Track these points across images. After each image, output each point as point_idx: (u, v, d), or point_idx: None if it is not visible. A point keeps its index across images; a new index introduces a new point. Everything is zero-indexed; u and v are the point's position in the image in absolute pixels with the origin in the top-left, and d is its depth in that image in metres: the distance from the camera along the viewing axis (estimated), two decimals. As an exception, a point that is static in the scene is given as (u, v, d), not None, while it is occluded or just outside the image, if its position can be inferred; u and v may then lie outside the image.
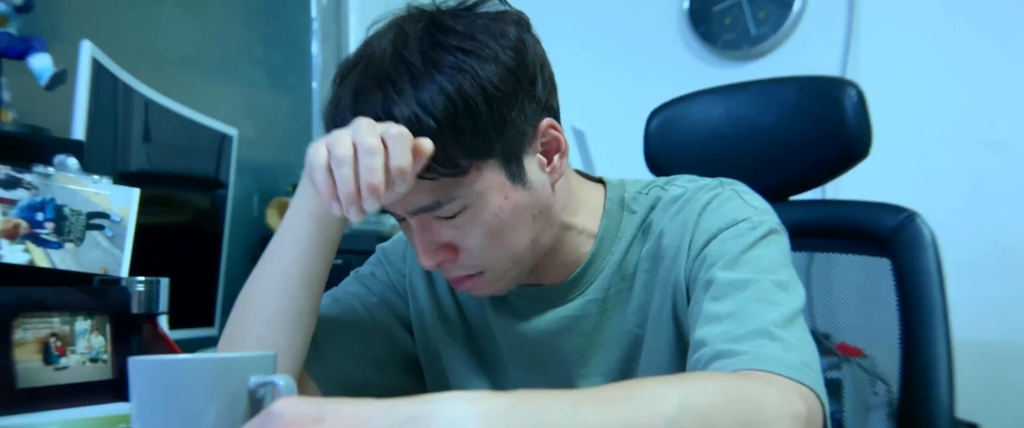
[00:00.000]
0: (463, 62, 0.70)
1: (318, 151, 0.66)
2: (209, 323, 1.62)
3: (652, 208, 0.84)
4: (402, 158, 0.64)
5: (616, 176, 0.89)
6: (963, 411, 1.92)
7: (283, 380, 0.55)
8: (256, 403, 0.56)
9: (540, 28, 0.80)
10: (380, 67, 0.71)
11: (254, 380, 0.56)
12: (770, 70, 2.19)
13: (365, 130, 0.65)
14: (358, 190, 0.64)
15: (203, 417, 0.55)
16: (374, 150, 0.64)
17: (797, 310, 0.73)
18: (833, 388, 1.88)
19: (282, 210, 1.89)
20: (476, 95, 0.70)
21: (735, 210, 0.79)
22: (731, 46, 2.22)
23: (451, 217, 0.73)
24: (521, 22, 0.78)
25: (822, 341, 1.85)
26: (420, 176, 0.69)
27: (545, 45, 0.81)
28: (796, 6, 2.15)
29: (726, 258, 0.75)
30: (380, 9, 0.78)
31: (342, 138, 0.65)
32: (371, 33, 0.76)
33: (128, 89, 1.31)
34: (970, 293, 1.92)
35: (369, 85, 0.71)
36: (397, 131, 0.65)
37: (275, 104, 2.02)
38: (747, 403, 0.59)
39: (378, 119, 0.68)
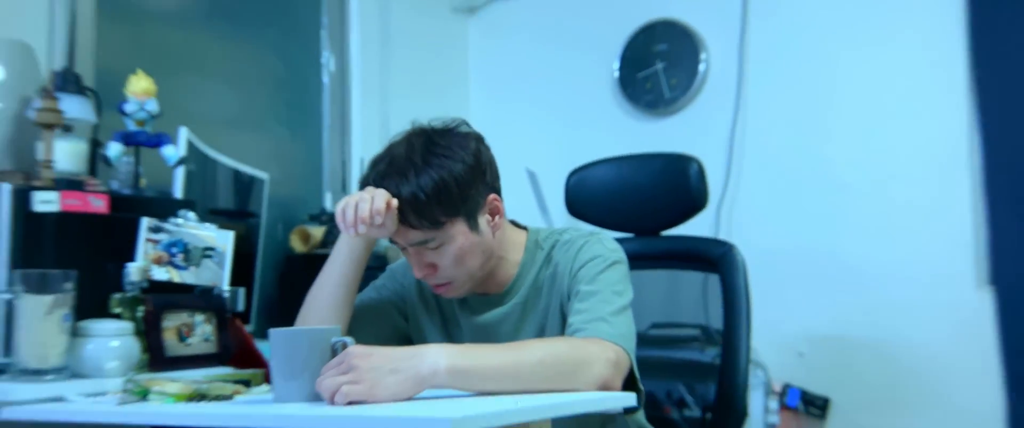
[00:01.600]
0: (444, 163, 1.27)
1: (340, 202, 1.24)
2: (247, 321, 2.16)
3: (553, 247, 1.41)
4: (379, 204, 1.21)
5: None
6: (817, 389, 2.54)
7: (350, 338, 1.12)
8: (334, 352, 1.12)
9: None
10: (397, 164, 1.28)
11: (334, 339, 1.12)
12: (681, 123, 2.80)
13: (364, 192, 1.23)
14: (355, 220, 1.22)
15: (310, 361, 1.10)
16: (363, 200, 1.22)
17: (624, 307, 1.29)
18: (711, 372, 2.48)
19: (301, 235, 2.43)
20: (450, 181, 1.27)
21: (595, 250, 1.36)
22: (651, 106, 2.81)
23: (433, 249, 1.29)
24: (479, 138, 1.35)
25: (712, 335, 2.44)
26: (415, 226, 1.25)
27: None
28: (699, 75, 2.74)
29: (587, 278, 1.32)
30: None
31: (351, 196, 1.23)
32: (393, 139, 1.33)
33: (201, 153, 1.87)
34: (821, 299, 2.53)
35: (390, 172, 1.27)
36: (380, 193, 1.23)
37: (294, 152, 2.58)
38: (582, 350, 1.17)
39: (394, 194, 1.24)
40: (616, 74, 2.89)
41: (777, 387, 2.50)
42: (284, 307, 2.25)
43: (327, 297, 1.35)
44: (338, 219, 1.25)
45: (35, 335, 1.27)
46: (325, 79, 2.69)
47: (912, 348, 2.40)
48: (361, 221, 1.22)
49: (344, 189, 2.68)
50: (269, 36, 2.59)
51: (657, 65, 2.81)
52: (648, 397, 1.65)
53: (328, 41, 2.72)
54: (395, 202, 1.25)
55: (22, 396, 1.20)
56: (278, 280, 2.36)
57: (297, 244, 2.37)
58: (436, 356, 1.08)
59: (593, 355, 1.18)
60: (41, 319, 1.27)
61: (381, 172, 1.29)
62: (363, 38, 2.78)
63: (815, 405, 2.50)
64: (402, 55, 2.87)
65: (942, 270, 2.36)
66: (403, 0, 2.91)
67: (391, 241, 1.32)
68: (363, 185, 1.31)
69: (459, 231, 1.29)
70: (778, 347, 2.53)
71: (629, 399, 1.15)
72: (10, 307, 1.28)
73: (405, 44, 2.89)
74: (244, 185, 2.13)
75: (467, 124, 1.37)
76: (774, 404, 2.49)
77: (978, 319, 2.28)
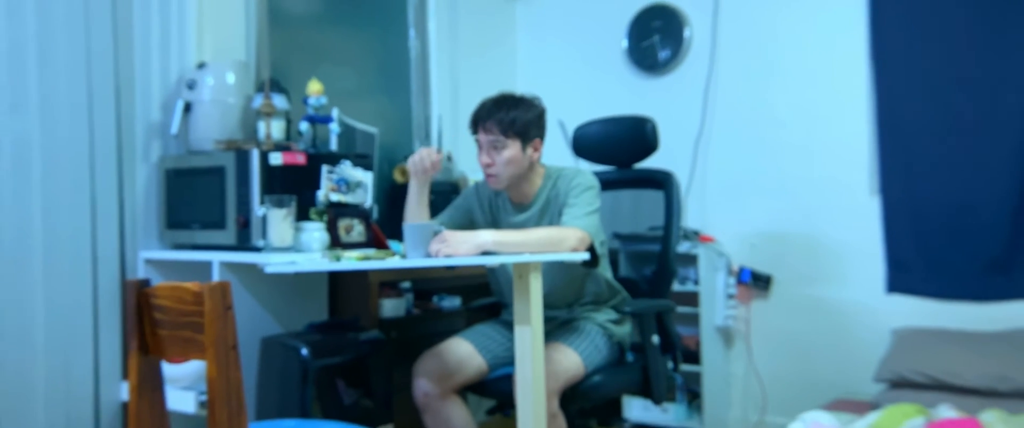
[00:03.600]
0: (523, 109, 2.34)
1: (412, 157, 2.33)
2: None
3: (557, 178, 2.47)
4: (434, 157, 2.29)
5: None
6: (763, 269, 3.55)
7: (444, 226, 2.22)
8: (435, 233, 2.21)
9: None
10: (501, 101, 2.33)
11: (435, 227, 2.22)
12: (672, 81, 3.79)
13: (423, 150, 2.31)
14: (422, 168, 2.30)
15: (425, 237, 2.20)
16: (425, 155, 2.29)
17: (592, 212, 2.34)
18: (689, 260, 3.54)
19: (400, 171, 3.53)
20: (522, 118, 2.33)
21: (579, 180, 2.41)
22: (650, 68, 3.81)
23: (498, 149, 2.33)
24: (544, 109, 2.41)
25: (691, 235, 3.47)
26: (495, 131, 2.28)
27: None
28: (684, 44, 3.71)
29: (573, 195, 2.38)
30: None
31: (417, 153, 2.32)
32: (499, 93, 2.40)
33: (344, 121, 2.96)
34: (767, 205, 3.52)
35: (497, 105, 2.32)
36: (433, 150, 2.30)
37: (393, 112, 3.67)
38: (563, 232, 2.25)
39: (499, 123, 2.30)
40: (624, 45, 3.88)
41: (735, 268, 3.54)
42: (392, 214, 3.36)
43: (415, 208, 2.43)
44: (411, 167, 2.33)
45: (277, 230, 2.42)
46: (412, 58, 3.76)
47: (828, 239, 3.41)
48: (424, 169, 2.30)
49: (427, 138, 3.76)
50: (373, 30, 3.66)
51: (654, 37, 3.79)
52: (619, 262, 2.71)
53: (413, 29, 3.78)
54: (440, 156, 2.32)
55: (275, 260, 2.35)
56: (386, 199, 3.48)
57: (397, 176, 3.47)
58: (486, 235, 2.17)
59: (569, 235, 2.25)
60: (280, 221, 2.41)
61: (491, 104, 2.35)
62: (437, 25, 3.82)
63: (761, 280, 3.54)
64: (466, 36, 3.91)
65: (848, 184, 3.34)
66: (466, -10, 3.94)
67: (477, 141, 2.38)
68: (478, 113, 2.36)
69: (514, 146, 2.34)
70: (737, 240, 3.57)
71: (583, 256, 2.22)
72: (264, 216, 2.42)
73: (469, 27, 3.92)
74: (366, 138, 3.23)
75: (540, 100, 2.43)
76: (732, 280, 3.54)
77: (870, 218, 3.26)
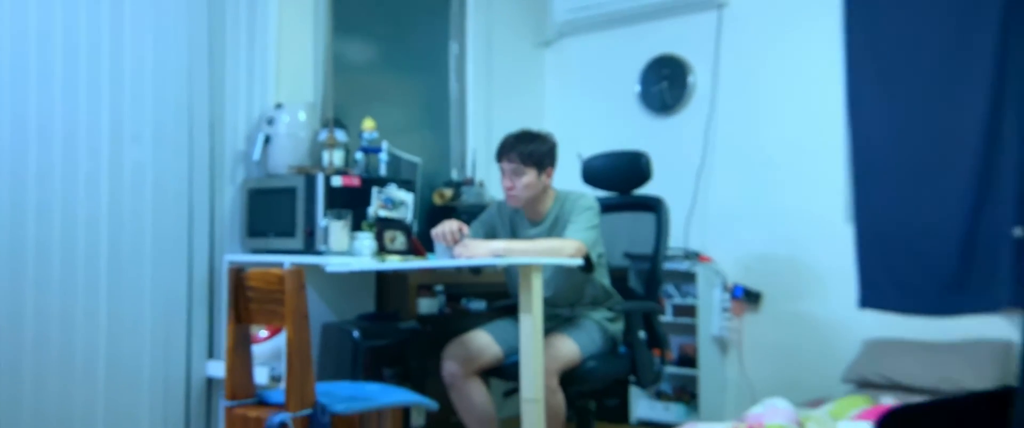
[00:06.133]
0: (540, 144, 2.91)
1: (436, 229, 2.86)
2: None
3: (565, 200, 3.02)
4: (454, 228, 2.80)
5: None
6: (754, 286, 4.05)
7: (470, 236, 2.79)
8: (458, 240, 2.77)
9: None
10: (521, 137, 2.90)
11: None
12: (678, 121, 4.32)
13: (447, 223, 2.85)
14: (446, 238, 2.85)
15: (449, 247, 2.77)
16: (449, 229, 2.82)
17: (591, 227, 2.89)
18: (689, 277, 4.07)
19: (439, 195, 4.11)
20: (539, 152, 2.90)
21: (582, 202, 2.96)
22: (659, 110, 4.35)
23: (518, 175, 2.88)
24: (555, 143, 2.98)
25: (691, 255, 4.01)
26: (517, 161, 2.85)
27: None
28: (688, 89, 4.26)
29: (576, 213, 2.93)
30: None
31: (441, 226, 2.84)
32: (520, 129, 2.97)
33: (392, 152, 3.56)
34: (758, 230, 4.03)
35: (517, 141, 2.89)
36: (454, 223, 2.82)
37: (433, 144, 4.27)
38: (563, 243, 2.80)
39: (520, 154, 2.86)
40: (637, 90, 4.45)
41: (729, 285, 4.04)
42: (429, 229, 3.92)
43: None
44: (435, 237, 2.85)
45: (335, 238, 3.01)
46: (451, 99, 4.38)
47: (810, 260, 3.89)
48: (448, 238, 2.84)
49: (463, 166, 4.35)
50: (419, 76, 4.29)
51: (663, 83, 4.35)
52: (616, 272, 3.24)
53: (453, 74, 4.40)
54: (465, 228, 2.87)
55: (334, 262, 2.93)
56: (425, 218, 4.07)
57: (436, 199, 4.06)
58: (499, 243, 2.74)
59: (568, 245, 2.80)
60: (339, 230, 3.01)
61: (513, 139, 2.91)
62: (474, 70, 4.43)
63: (752, 296, 4.02)
64: (500, 80, 4.51)
65: (827, 213, 3.82)
66: (501, 40, 4.53)
67: (501, 168, 2.93)
68: (502, 146, 2.91)
69: (531, 172, 2.90)
70: (732, 260, 4.08)
71: (578, 262, 2.77)
72: (326, 227, 3.02)
73: (502, 72, 4.53)
74: (409, 166, 3.83)
75: (553, 135, 3.00)
76: (727, 296, 4.03)
77: (845, 243, 3.74)
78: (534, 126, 3.13)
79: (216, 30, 3.27)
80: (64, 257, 2.84)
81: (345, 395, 2.35)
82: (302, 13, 3.60)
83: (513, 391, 3.19)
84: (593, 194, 3.08)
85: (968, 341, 3.43)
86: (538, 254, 2.71)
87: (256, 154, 3.26)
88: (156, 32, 3.08)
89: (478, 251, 2.70)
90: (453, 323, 3.41)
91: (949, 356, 3.37)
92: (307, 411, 2.18)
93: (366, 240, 3.05)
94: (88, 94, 2.92)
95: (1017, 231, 3.28)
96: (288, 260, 3.07)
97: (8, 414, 2.71)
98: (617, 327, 3.05)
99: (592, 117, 4.59)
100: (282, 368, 2.91)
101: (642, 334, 3.02)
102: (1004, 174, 3.33)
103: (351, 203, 3.11)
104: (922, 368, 3.34)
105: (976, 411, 0.87)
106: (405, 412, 2.86)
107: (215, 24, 3.27)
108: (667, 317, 4.02)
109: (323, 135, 3.27)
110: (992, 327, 3.42)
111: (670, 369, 4.03)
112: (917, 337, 3.56)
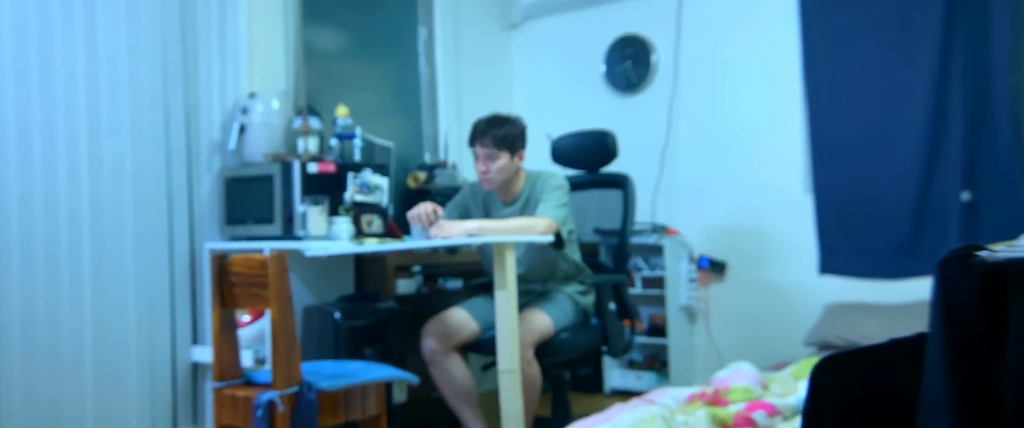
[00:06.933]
0: (511, 127, 3.01)
1: (411, 211, 2.96)
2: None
3: (536, 179, 3.14)
4: (428, 209, 2.91)
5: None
6: (719, 256, 4.22)
7: (444, 217, 2.89)
8: (433, 222, 2.88)
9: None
10: (492, 121, 3.00)
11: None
12: (643, 99, 4.45)
13: (421, 205, 2.95)
14: (422, 220, 2.95)
15: (424, 228, 2.87)
16: (424, 211, 2.92)
17: (561, 205, 3.01)
18: (657, 250, 4.20)
19: (412, 178, 4.21)
20: (511, 135, 3.00)
21: (552, 181, 3.08)
22: (624, 89, 4.47)
23: (492, 159, 2.99)
24: (524, 126, 3.08)
25: (658, 229, 4.14)
26: (490, 145, 2.96)
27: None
28: (652, 68, 4.38)
29: (547, 192, 3.04)
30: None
31: (416, 208, 2.95)
32: (491, 114, 3.07)
33: (365, 138, 3.65)
34: (721, 202, 4.18)
35: (489, 125, 2.99)
36: (429, 205, 2.93)
37: (405, 128, 4.36)
38: (535, 221, 2.91)
39: (493, 139, 2.97)
40: (603, 69, 4.56)
41: (695, 256, 4.19)
42: (404, 211, 4.02)
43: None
44: (411, 219, 2.97)
45: (313, 223, 3.10)
46: (422, 83, 4.46)
47: (772, 230, 4.05)
48: (423, 222, 2.93)
49: (436, 149, 4.44)
50: (389, 61, 4.36)
51: (627, 62, 4.46)
52: (586, 248, 3.37)
53: (423, 58, 4.48)
54: (439, 209, 2.96)
55: (313, 247, 3.02)
56: (400, 201, 4.16)
57: (410, 182, 4.15)
58: (473, 223, 2.85)
59: (539, 223, 2.92)
60: (316, 216, 3.10)
61: (485, 124, 3.00)
62: (444, 53, 4.51)
63: (717, 266, 4.17)
64: (469, 62, 4.60)
65: (787, 184, 3.98)
66: (468, 23, 4.62)
67: (474, 153, 3.03)
68: (474, 131, 3.01)
69: (504, 156, 3.01)
70: (697, 232, 4.22)
71: (549, 239, 2.88)
72: (304, 212, 3.10)
73: (471, 55, 4.61)
74: (383, 151, 3.92)
75: (522, 118, 3.09)
76: (693, 266, 4.18)
77: (805, 212, 3.89)
78: (503, 107, 3.23)
79: (188, 22, 3.33)
80: (47, 248, 2.90)
81: (329, 373, 2.45)
82: (272, 2, 3.66)
83: (491, 365, 3.31)
84: (562, 173, 3.20)
85: (922, 302, 3.60)
86: (510, 232, 2.82)
87: (232, 143, 3.34)
88: (129, 25, 3.13)
89: (453, 231, 2.80)
90: (431, 302, 3.52)
91: (905, 317, 3.54)
92: (294, 389, 2.28)
93: (343, 224, 3.14)
94: (65, 88, 2.97)
95: (964, 195, 3.45)
96: (268, 246, 3.15)
97: (-1, 404, 2.79)
98: (588, 300, 3.17)
99: (559, 97, 4.70)
100: (266, 351, 3.01)
101: (612, 306, 3.15)
102: (951, 141, 3.49)
103: (327, 189, 3.20)
104: (880, 329, 3.49)
105: (899, 355, 0.99)
106: (387, 388, 2.97)
107: (187, 16, 3.32)
108: (637, 289, 4.16)
109: (297, 123, 3.35)
110: (944, 288, 3.59)
111: (641, 339, 4.18)
112: (875, 300, 3.73)
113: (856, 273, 3.79)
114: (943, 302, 0.86)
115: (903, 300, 3.66)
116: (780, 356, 3.94)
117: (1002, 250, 0.94)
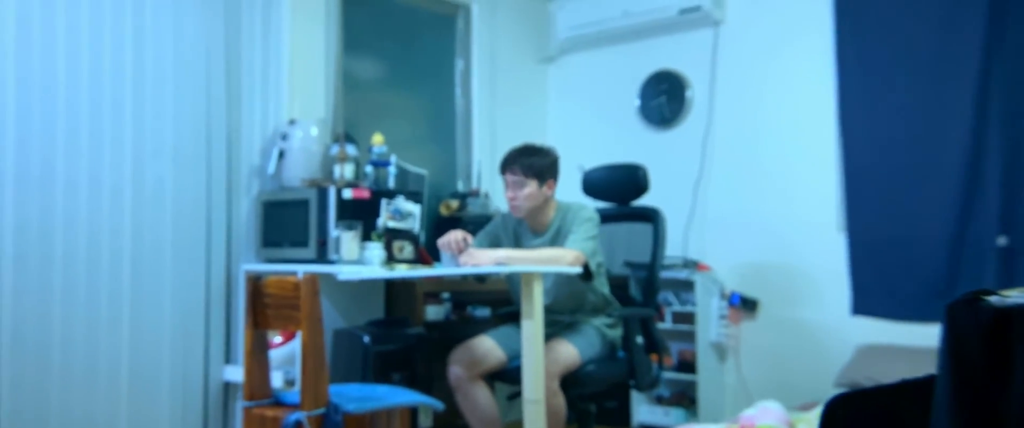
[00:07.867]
0: (542, 157, 3.06)
1: (442, 239, 3.00)
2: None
3: (566, 211, 3.17)
4: (458, 236, 2.94)
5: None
6: (751, 293, 4.19)
7: (474, 246, 2.93)
8: (462, 249, 2.92)
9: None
10: (523, 150, 3.06)
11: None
12: (677, 134, 4.47)
13: (452, 233, 2.99)
14: (453, 247, 2.99)
15: (454, 256, 2.91)
16: (454, 239, 2.95)
17: (590, 238, 3.03)
18: (688, 285, 4.20)
19: (445, 206, 4.26)
20: (540, 164, 3.05)
21: (582, 214, 3.11)
22: (658, 123, 4.50)
23: (520, 187, 3.03)
24: (557, 156, 3.14)
25: (690, 264, 4.15)
26: (520, 173, 3.01)
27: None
28: (686, 103, 4.40)
29: (577, 224, 3.07)
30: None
31: (446, 236, 2.99)
32: (524, 143, 3.12)
33: (400, 165, 3.71)
34: (753, 239, 4.17)
35: (520, 154, 3.05)
36: (459, 233, 2.97)
37: (440, 157, 4.43)
38: (563, 252, 2.95)
39: (522, 167, 3.02)
40: (637, 104, 4.59)
41: (726, 293, 4.17)
42: (436, 239, 4.07)
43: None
44: (441, 246, 2.99)
45: (346, 248, 3.16)
46: (457, 112, 4.53)
47: (805, 268, 4.02)
48: (451, 247, 2.96)
49: (469, 178, 4.49)
50: (425, 91, 4.44)
51: (661, 98, 4.49)
52: (616, 281, 3.38)
53: (459, 89, 4.55)
54: (469, 237, 3.00)
55: (345, 271, 3.08)
56: (432, 228, 4.21)
57: (442, 210, 4.20)
58: (502, 252, 2.88)
59: (567, 254, 2.94)
60: (349, 241, 3.15)
61: (516, 152, 3.05)
62: (480, 83, 4.58)
63: (749, 303, 4.15)
64: (504, 94, 4.66)
65: (821, 223, 3.96)
66: (505, 56, 4.69)
67: (504, 180, 3.07)
68: (505, 159, 3.06)
69: (533, 185, 3.05)
70: (729, 269, 4.21)
71: (576, 270, 2.90)
72: (338, 237, 3.16)
73: (506, 87, 4.68)
74: (417, 179, 3.98)
75: (555, 149, 3.14)
76: (724, 303, 4.16)
77: (839, 251, 3.87)
78: (537, 139, 3.28)
79: (232, 50, 3.43)
80: (89, 267, 2.99)
81: (356, 395, 2.49)
82: (314, 32, 3.77)
83: (517, 394, 3.32)
84: (593, 205, 3.23)
85: (956, 346, 3.55)
86: (539, 263, 2.85)
87: (271, 168, 3.42)
88: (176, 53, 3.24)
89: (482, 259, 2.84)
90: (459, 329, 3.55)
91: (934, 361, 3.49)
92: (321, 410, 2.32)
93: (376, 250, 3.20)
94: (112, 113, 3.08)
95: (1001, 240, 3.41)
96: (301, 269, 3.21)
97: (37, 416, 2.86)
98: (616, 333, 3.18)
99: (593, 130, 4.74)
100: (295, 372, 3.06)
101: (640, 339, 3.15)
102: (988, 185, 3.46)
103: (361, 214, 3.26)
104: (910, 373, 3.42)
105: (909, 394, 1.00)
106: (413, 413, 3.00)
107: (231, 45, 3.43)
108: (667, 324, 4.15)
109: (334, 149, 3.42)
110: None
111: (670, 374, 4.16)
112: (907, 343, 3.68)
113: (889, 315, 3.76)
114: (951, 344, 0.87)
115: (936, 345, 3.60)
116: (810, 395, 3.90)
117: (1014, 295, 0.95)
